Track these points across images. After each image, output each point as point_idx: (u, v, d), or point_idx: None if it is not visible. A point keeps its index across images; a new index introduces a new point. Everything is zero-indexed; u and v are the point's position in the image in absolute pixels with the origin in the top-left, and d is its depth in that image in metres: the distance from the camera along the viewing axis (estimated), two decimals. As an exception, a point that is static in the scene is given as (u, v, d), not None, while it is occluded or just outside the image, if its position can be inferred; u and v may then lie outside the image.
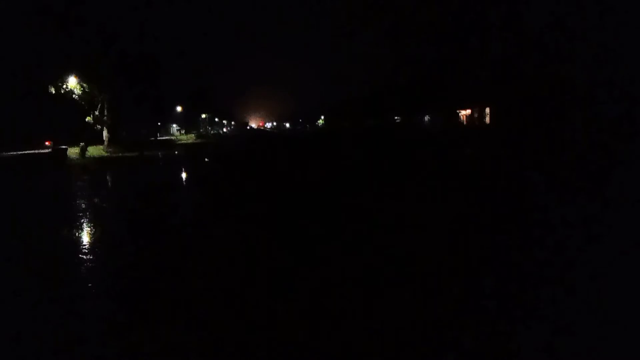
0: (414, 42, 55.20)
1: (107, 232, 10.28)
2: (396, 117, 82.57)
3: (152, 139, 69.28)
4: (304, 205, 12.22)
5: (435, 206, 11.31)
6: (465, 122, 59.48)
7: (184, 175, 24.06)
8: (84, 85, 39.88)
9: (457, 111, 60.06)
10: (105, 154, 40.96)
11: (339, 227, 9.44)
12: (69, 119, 42.88)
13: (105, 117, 43.13)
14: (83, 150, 37.27)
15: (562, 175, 15.69)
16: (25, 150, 36.35)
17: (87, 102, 41.16)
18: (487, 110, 51.63)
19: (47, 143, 38.61)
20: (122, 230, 10.49)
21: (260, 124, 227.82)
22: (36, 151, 36.25)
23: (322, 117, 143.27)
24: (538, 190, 13.04)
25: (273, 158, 32.98)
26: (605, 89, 29.71)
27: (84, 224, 11.08)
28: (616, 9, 28.53)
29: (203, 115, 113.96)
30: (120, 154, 41.10)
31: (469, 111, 57.85)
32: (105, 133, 43.71)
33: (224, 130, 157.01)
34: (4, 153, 34.01)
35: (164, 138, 75.96)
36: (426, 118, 73.18)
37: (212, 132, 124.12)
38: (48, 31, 37.33)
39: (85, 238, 9.66)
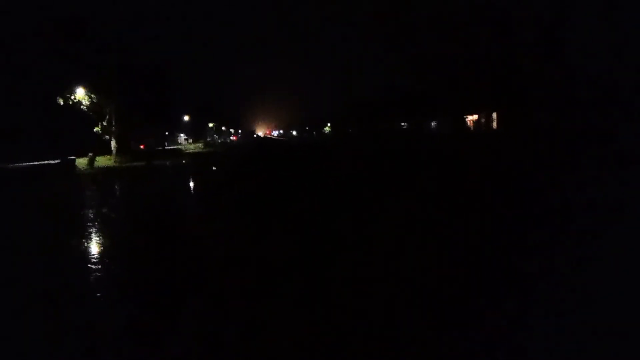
0: (420, 47, 55.25)
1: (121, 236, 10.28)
2: (403, 123, 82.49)
3: (160, 148, 69.53)
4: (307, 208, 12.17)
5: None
6: (472, 128, 59.30)
7: (191, 184, 24.07)
8: (92, 95, 40.16)
9: (464, 116, 59.92)
10: (114, 164, 41.13)
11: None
12: (77, 130, 43.16)
13: (113, 128, 43.35)
14: (91, 161, 37.45)
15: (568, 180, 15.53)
16: (34, 162, 36.57)
17: (95, 112, 41.42)
18: (494, 115, 51.45)
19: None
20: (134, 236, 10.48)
21: (267, 132, 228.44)
22: (45, 162, 36.45)
23: (329, 124, 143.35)
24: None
25: (280, 167, 33.01)
26: (614, 91, 29.53)
27: (96, 231, 11.08)
28: (624, 8, 28.40)
29: (210, 124, 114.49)
30: (128, 164, 41.24)
31: (475, 116, 57.68)
32: (113, 143, 43.92)
33: (232, 138, 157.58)
34: (12, 164, 34.26)
35: (171, 147, 76.24)
36: (433, 124, 73.06)
37: (219, 140, 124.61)
38: (56, 42, 37.74)
39: (97, 244, 9.64)
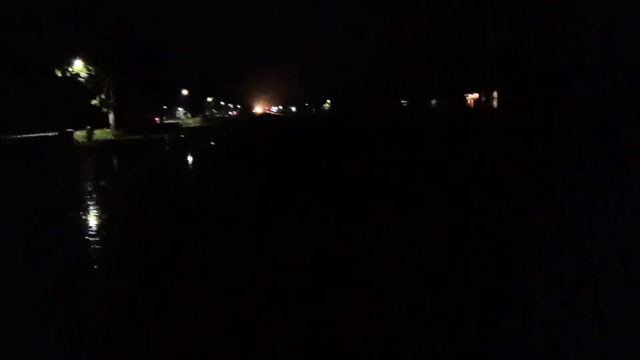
0: (421, 24, 54.69)
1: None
2: (403, 101, 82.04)
3: (158, 122, 69.15)
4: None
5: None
6: (472, 106, 59.06)
7: (189, 158, 24.03)
8: (90, 68, 39.79)
9: (465, 95, 59.63)
10: (112, 137, 40.98)
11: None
12: (74, 102, 42.80)
13: (111, 101, 43.05)
14: (89, 134, 37.29)
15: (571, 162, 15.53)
16: (31, 134, 36.43)
17: (93, 85, 41.07)
18: (495, 94, 51.18)
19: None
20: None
21: (267, 108, 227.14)
22: (42, 134, 36.31)
23: (328, 101, 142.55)
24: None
25: (279, 142, 32.95)
26: (614, 71, 29.36)
27: (97, 203, 11.11)
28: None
29: (209, 99, 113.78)
30: (126, 137, 41.09)
31: (476, 95, 57.39)
32: (111, 116, 43.66)
33: (230, 113, 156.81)
34: (10, 136, 34.14)
35: (170, 121, 75.80)
36: (433, 102, 72.70)
37: (217, 115, 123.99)
38: (54, 14, 37.25)
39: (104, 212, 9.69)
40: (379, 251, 6.65)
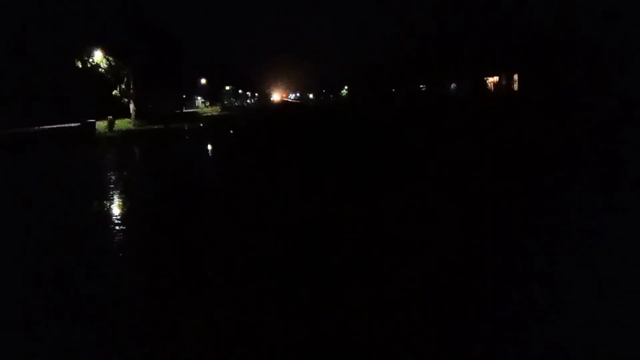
0: (440, 7, 53.95)
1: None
2: (422, 85, 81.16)
3: (178, 111, 69.55)
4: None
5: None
6: (492, 89, 58.18)
7: (209, 147, 24.22)
8: (110, 58, 40.10)
9: (485, 78, 58.72)
10: (133, 127, 41.39)
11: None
12: (95, 93, 43.27)
13: (131, 91, 43.40)
14: (111, 124, 37.70)
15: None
16: (54, 125, 36.96)
17: (113, 75, 41.44)
18: (515, 77, 50.33)
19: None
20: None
21: (284, 95, 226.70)
22: (65, 125, 36.82)
23: (346, 88, 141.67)
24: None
25: (298, 130, 32.99)
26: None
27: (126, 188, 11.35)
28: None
29: (227, 87, 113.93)
30: (147, 127, 41.48)
31: (496, 78, 56.50)
32: (131, 106, 44.05)
33: (248, 101, 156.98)
34: (33, 128, 34.70)
35: (189, 111, 76.20)
36: (452, 86, 71.76)
37: (236, 104, 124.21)
38: (73, 5, 37.60)
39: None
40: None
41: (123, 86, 42.68)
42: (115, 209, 9.72)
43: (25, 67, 38.57)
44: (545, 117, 26.78)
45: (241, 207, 9.26)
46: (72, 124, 36.25)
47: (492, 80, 58.20)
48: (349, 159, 15.43)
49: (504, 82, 54.16)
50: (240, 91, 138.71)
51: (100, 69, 39.95)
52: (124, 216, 9.10)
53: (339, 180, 11.47)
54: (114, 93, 42.48)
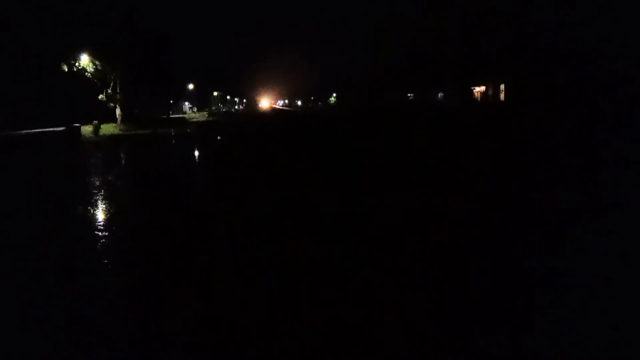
0: (428, 17, 54.45)
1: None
2: (409, 94, 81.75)
3: (165, 116, 69.15)
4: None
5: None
6: (479, 99, 58.73)
7: (196, 153, 24.11)
8: (97, 62, 39.83)
9: (472, 88, 59.29)
10: (119, 132, 41.11)
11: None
12: (81, 97, 42.93)
13: (118, 95, 43.13)
14: (96, 128, 37.43)
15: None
16: (38, 129, 36.57)
17: (99, 80, 41.15)
18: (502, 86, 50.87)
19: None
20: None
21: (273, 102, 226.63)
22: (50, 129, 36.45)
23: (334, 95, 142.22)
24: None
25: (285, 136, 32.97)
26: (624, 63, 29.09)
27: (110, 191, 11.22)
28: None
29: (215, 93, 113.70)
30: (133, 132, 41.22)
31: (483, 88, 57.06)
32: (118, 111, 43.78)
33: (236, 107, 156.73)
34: (18, 131, 34.32)
35: (176, 116, 75.82)
36: (440, 95, 72.38)
37: (223, 109, 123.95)
38: (60, 9, 37.28)
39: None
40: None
41: (110, 90, 42.41)
42: (90, 213, 9.65)
43: (10, 70, 38.15)
44: (528, 127, 27.05)
45: (220, 216, 9.20)
46: (58, 128, 35.93)
47: (478, 89, 58.78)
48: (335, 164, 15.47)
49: (490, 92, 54.71)
50: (228, 97, 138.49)
51: (86, 73, 39.66)
52: (99, 220, 9.01)
53: (323, 184, 11.47)
54: (100, 97, 42.17)
